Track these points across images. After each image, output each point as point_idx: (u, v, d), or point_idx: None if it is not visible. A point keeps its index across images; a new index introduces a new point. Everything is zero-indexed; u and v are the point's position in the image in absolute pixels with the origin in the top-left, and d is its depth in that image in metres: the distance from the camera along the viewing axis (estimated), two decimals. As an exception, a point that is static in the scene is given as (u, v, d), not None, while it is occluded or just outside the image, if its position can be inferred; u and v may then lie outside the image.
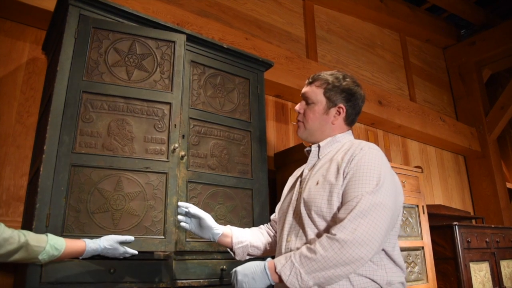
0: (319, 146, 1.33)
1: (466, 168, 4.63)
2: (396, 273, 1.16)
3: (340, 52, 3.64)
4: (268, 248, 1.44)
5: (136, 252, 1.43)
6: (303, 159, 1.54)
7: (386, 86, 3.94)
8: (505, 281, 2.99)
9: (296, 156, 2.32)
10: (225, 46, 2.01)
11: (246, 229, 1.46)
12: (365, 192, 1.09)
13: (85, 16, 1.62)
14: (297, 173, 1.50)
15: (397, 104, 3.72)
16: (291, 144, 2.92)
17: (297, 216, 1.24)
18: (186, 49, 1.89)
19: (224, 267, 1.71)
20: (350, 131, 1.37)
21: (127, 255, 1.43)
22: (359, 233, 1.04)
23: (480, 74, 4.74)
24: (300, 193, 1.28)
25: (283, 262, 1.10)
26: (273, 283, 1.13)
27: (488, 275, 2.89)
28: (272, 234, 1.48)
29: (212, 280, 1.67)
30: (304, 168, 1.37)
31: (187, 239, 1.66)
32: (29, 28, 2.02)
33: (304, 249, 1.10)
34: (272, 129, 2.88)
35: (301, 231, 1.21)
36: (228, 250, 1.41)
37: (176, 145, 1.63)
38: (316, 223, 1.17)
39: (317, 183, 1.21)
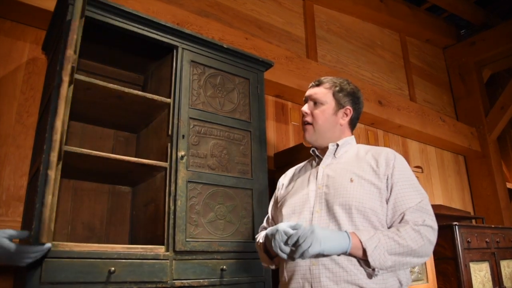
0: (337, 145, 1.37)
1: (466, 168, 4.63)
2: (408, 274, 1.24)
3: (340, 52, 3.64)
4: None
5: (49, 246, 1.23)
6: (303, 159, 1.54)
7: (386, 86, 3.94)
8: (505, 281, 2.99)
9: (296, 156, 2.32)
10: (225, 46, 2.01)
11: None
12: (422, 200, 1.21)
13: (85, 16, 1.62)
14: (295, 171, 1.51)
15: (397, 104, 3.72)
16: (291, 144, 2.92)
17: (323, 212, 1.24)
18: (186, 49, 1.89)
19: (224, 267, 1.71)
20: (354, 136, 1.44)
21: (29, 260, 1.13)
22: (432, 234, 1.17)
23: (480, 74, 4.73)
24: (323, 190, 1.29)
25: (367, 236, 1.12)
26: (348, 251, 1.11)
27: (488, 275, 2.88)
28: None
29: (212, 280, 1.67)
30: (316, 165, 1.39)
31: (187, 239, 1.66)
32: (29, 28, 2.01)
33: (389, 232, 1.14)
34: (272, 129, 2.88)
35: (332, 226, 1.21)
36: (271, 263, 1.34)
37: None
38: (354, 218, 1.20)
39: (352, 180, 1.25)
